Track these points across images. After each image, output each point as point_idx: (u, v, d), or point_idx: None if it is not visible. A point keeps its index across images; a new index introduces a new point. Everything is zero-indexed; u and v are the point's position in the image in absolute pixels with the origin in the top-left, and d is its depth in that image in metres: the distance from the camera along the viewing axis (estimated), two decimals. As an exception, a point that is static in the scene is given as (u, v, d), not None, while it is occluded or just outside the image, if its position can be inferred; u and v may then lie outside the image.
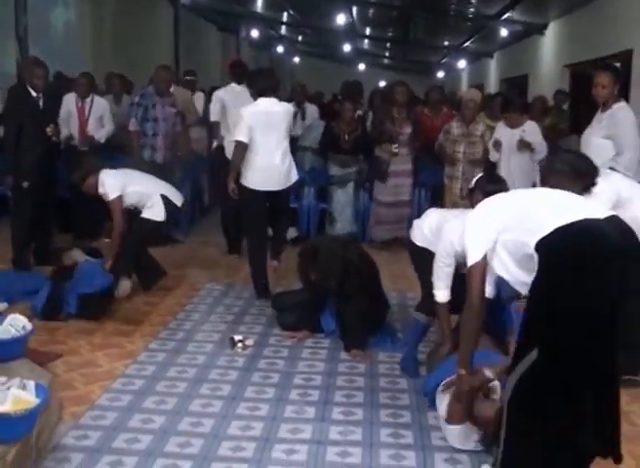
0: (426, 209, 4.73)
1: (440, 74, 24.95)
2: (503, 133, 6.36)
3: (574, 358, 2.50)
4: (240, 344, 4.38)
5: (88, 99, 7.25)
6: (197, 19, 16.77)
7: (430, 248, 3.92)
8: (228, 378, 3.93)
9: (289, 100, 8.48)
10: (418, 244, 4.07)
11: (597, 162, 3.59)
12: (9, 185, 6.27)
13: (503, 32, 13.92)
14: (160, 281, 5.60)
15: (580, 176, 3.31)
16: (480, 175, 4.15)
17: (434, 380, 3.50)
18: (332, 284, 4.40)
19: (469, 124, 6.76)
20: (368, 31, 20.28)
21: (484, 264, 2.85)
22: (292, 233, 7.65)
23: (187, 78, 9.20)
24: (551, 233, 2.54)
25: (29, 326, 3.68)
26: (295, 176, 5.56)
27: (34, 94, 6.02)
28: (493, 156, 6.44)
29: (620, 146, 4.77)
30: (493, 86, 17.88)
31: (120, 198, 5.13)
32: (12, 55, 8.37)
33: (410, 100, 7.37)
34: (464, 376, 3.09)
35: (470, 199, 3.84)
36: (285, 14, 18.08)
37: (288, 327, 4.72)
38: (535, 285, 2.59)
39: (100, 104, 7.35)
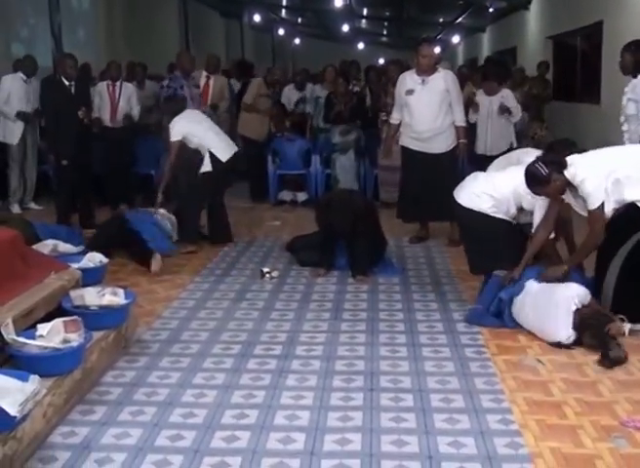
0: None
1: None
2: (482, 99, 7.37)
3: None
4: (268, 275, 5.44)
5: (117, 83, 8.20)
6: (201, 7, 17.40)
7: (481, 209, 4.53)
8: (262, 297, 5.02)
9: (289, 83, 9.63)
10: (466, 206, 4.61)
11: None
12: (51, 163, 7.30)
13: (491, 9, 14.88)
14: (224, 243, 6.51)
15: None
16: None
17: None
18: (346, 227, 5.41)
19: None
20: (365, 11, 21.12)
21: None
22: (302, 197, 8.74)
23: None
24: None
25: (105, 260, 4.75)
26: None
27: (67, 82, 7.04)
28: (471, 118, 7.45)
29: None
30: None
31: (178, 142, 6.23)
32: (48, 49, 9.34)
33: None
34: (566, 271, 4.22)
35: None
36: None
37: (306, 263, 5.74)
38: None
39: (128, 88, 8.30)
